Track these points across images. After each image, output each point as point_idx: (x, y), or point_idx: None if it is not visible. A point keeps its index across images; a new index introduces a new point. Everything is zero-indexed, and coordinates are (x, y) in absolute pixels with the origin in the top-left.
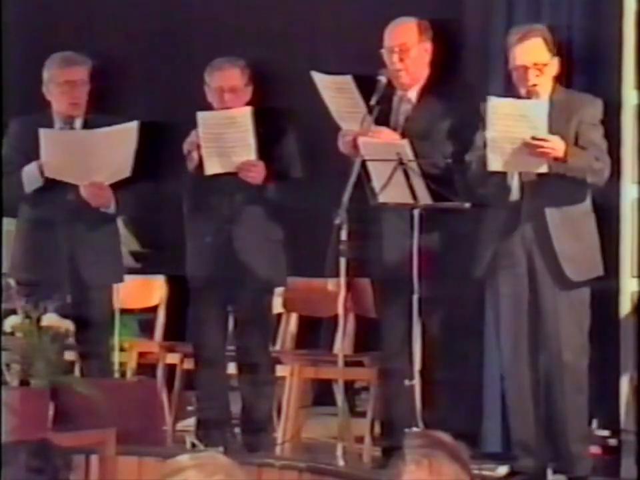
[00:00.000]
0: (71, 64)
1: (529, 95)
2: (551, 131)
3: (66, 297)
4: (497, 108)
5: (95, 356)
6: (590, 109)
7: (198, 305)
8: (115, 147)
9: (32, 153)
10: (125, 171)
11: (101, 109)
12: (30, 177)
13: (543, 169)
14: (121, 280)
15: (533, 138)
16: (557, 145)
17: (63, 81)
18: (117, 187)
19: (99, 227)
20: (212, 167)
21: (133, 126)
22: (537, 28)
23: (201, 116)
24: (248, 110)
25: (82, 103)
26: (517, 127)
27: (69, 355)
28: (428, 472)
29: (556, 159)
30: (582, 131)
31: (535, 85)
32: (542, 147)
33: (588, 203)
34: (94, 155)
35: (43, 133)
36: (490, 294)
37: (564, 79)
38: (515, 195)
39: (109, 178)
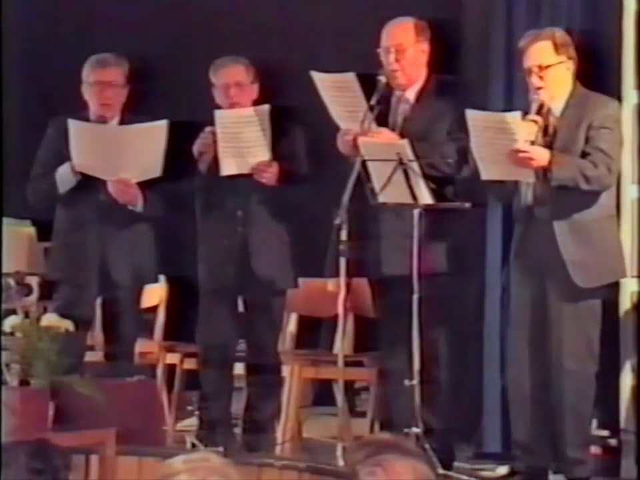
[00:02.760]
0: (103, 65)
1: (533, 98)
2: (564, 136)
3: (96, 297)
4: (475, 121)
5: (119, 356)
6: (600, 111)
7: (208, 305)
8: (145, 145)
9: (65, 154)
10: (155, 170)
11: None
12: (63, 177)
13: (530, 178)
14: (154, 280)
15: (514, 149)
16: (537, 155)
17: (94, 81)
18: (145, 185)
19: (129, 226)
20: (228, 168)
21: (162, 124)
22: (548, 31)
23: (219, 115)
24: (265, 108)
25: (114, 104)
26: (496, 138)
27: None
28: (385, 477)
29: (543, 168)
30: (591, 135)
31: (539, 88)
32: (523, 157)
33: (608, 206)
34: (123, 151)
35: (71, 124)
36: (504, 297)
37: (584, 79)
38: (528, 201)
39: (138, 176)
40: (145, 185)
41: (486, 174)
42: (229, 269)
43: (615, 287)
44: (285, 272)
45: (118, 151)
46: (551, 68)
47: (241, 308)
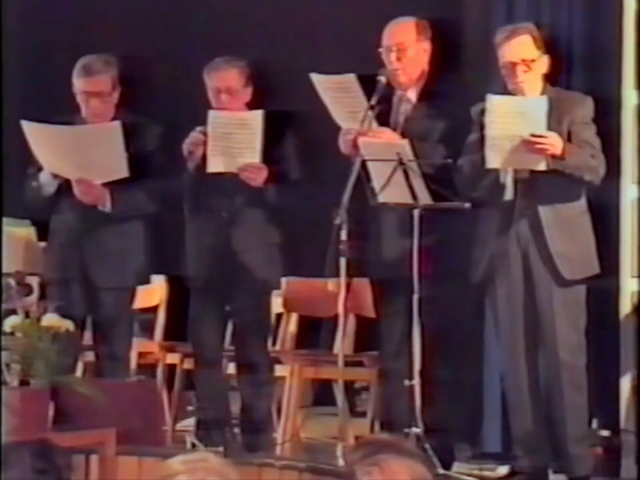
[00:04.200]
0: (88, 73)
1: (515, 92)
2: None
3: (77, 298)
4: (496, 106)
5: (110, 357)
6: (581, 108)
7: (197, 305)
8: (100, 145)
9: None
10: (120, 171)
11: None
12: (46, 178)
13: (542, 166)
14: (145, 282)
15: (532, 135)
16: (555, 142)
17: (80, 90)
18: (114, 186)
19: (104, 228)
20: (215, 166)
21: (116, 124)
22: (525, 26)
23: (212, 115)
24: (259, 113)
25: (102, 112)
26: (515, 124)
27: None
28: (381, 477)
29: (554, 156)
30: (574, 130)
31: (521, 82)
32: (540, 143)
33: (583, 201)
34: (79, 152)
35: (25, 125)
36: (488, 294)
37: (554, 78)
38: (509, 194)
39: (100, 176)
40: (119, 186)
41: (493, 162)
42: (214, 268)
43: (596, 279)
44: (269, 273)
45: (74, 151)
46: (535, 62)
47: (228, 308)
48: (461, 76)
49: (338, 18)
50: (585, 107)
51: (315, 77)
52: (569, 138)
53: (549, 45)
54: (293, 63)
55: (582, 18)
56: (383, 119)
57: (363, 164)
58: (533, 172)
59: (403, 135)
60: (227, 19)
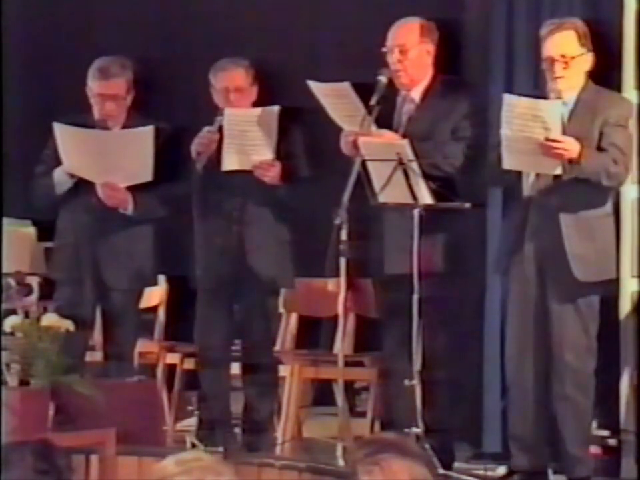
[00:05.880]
0: (105, 76)
1: (552, 87)
2: (576, 129)
3: (92, 299)
4: (512, 107)
5: (116, 357)
6: (616, 109)
7: (205, 305)
8: (131, 150)
9: None
10: (146, 175)
11: None
12: (60, 178)
13: (557, 170)
14: (152, 284)
15: (547, 139)
16: (570, 147)
17: (96, 93)
18: (137, 189)
19: (123, 229)
20: (230, 164)
21: (148, 130)
22: (571, 21)
23: (228, 112)
24: (275, 109)
25: (117, 114)
26: (531, 126)
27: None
28: (381, 476)
29: (570, 160)
30: (606, 131)
31: (559, 78)
32: (555, 148)
33: (608, 205)
34: (109, 156)
35: (57, 127)
36: (502, 291)
37: (599, 76)
38: (528, 191)
39: (125, 180)
40: (136, 189)
41: (509, 163)
42: (224, 268)
43: (611, 283)
44: (283, 271)
45: (104, 155)
46: (575, 59)
47: (236, 308)
48: (463, 76)
49: (340, 17)
50: (621, 108)
51: (312, 84)
52: (599, 138)
53: (597, 42)
54: (295, 62)
55: (582, 18)
56: (386, 119)
57: (363, 164)
58: (555, 176)
59: (405, 136)
60: (228, 20)
